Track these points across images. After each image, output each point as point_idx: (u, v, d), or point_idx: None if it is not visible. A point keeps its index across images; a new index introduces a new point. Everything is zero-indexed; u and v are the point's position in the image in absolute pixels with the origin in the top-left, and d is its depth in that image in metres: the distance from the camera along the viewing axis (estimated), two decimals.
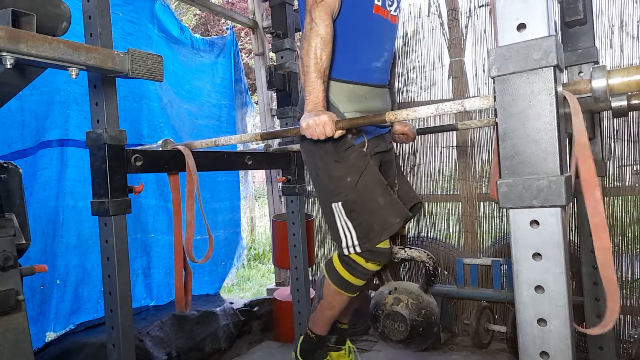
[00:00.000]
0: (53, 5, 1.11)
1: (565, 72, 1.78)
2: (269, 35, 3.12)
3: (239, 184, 3.45)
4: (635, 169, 2.41)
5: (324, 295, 1.70)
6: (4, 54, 0.94)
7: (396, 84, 2.96)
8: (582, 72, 1.76)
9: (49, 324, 2.30)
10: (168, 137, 1.71)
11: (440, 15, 2.88)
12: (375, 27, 1.60)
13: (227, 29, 3.46)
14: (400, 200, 1.74)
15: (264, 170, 4.16)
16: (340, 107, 1.58)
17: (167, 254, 2.83)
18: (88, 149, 1.50)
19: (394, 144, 2.01)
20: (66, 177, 2.32)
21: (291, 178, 2.31)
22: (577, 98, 0.89)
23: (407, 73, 3.00)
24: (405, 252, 1.74)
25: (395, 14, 1.69)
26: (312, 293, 2.50)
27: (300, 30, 2.44)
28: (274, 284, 3.71)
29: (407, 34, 2.98)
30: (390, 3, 1.64)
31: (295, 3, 2.41)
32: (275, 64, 2.42)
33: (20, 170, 1.26)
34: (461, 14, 2.80)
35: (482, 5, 2.74)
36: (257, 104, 3.83)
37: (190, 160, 1.65)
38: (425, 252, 1.74)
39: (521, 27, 0.83)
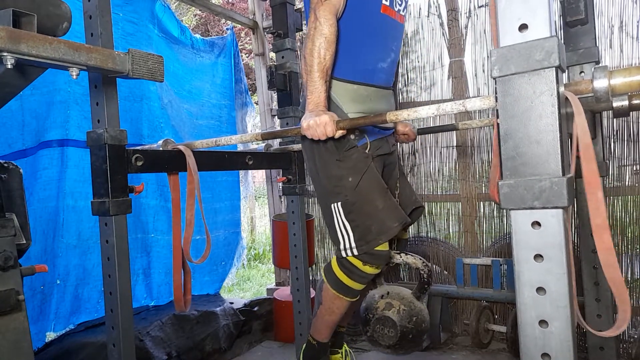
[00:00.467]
0: (54, 6, 1.11)
1: (566, 72, 1.78)
2: (270, 35, 3.13)
3: (239, 184, 3.45)
4: (635, 169, 2.41)
5: (323, 300, 1.67)
6: (5, 54, 0.94)
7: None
8: (583, 72, 1.76)
9: (49, 323, 2.30)
10: (168, 137, 1.71)
11: (440, 16, 2.87)
12: (383, 27, 1.58)
13: (227, 29, 3.45)
14: (402, 203, 1.74)
15: (264, 170, 4.16)
16: (344, 107, 1.56)
17: (167, 254, 2.83)
18: (88, 149, 1.50)
19: (397, 143, 2.00)
20: (66, 177, 2.32)
21: (291, 178, 2.31)
22: (578, 98, 0.89)
23: (407, 73, 3.00)
24: (401, 257, 1.73)
25: (403, 13, 1.67)
26: (313, 293, 2.50)
27: (300, 30, 2.44)
28: (274, 283, 3.71)
29: (407, 34, 2.98)
30: (399, 2, 1.62)
31: (296, 3, 2.41)
32: (275, 63, 2.42)
33: (21, 170, 1.26)
34: (461, 14, 2.80)
35: (482, 6, 2.74)
36: (257, 104, 3.83)
37: (191, 160, 1.65)
38: (420, 259, 1.73)
39: (523, 27, 0.83)
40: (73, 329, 2.37)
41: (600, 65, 0.99)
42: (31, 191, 2.21)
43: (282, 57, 2.37)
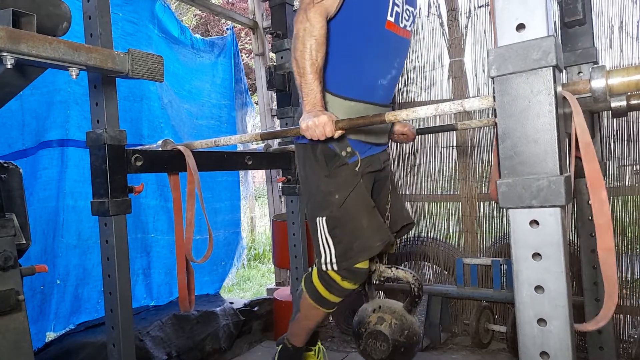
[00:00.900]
0: (53, 6, 1.11)
1: (564, 72, 1.78)
2: (269, 35, 3.13)
3: (239, 184, 3.45)
4: (634, 169, 2.41)
5: (301, 308, 1.70)
6: (5, 54, 0.94)
7: None
8: (581, 72, 1.77)
9: (49, 323, 2.30)
10: (168, 137, 1.72)
11: (440, 16, 2.88)
12: (386, 44, 1.55)
13: (227, 29, 3.46)
14: (392, 217, 1.75)
15: (264, 170, 4.16)
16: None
17: (167, 254, 2.83)
18: (88, 149, 1.50)
19: (397, 143, 2.00)
20: (66, 177, 2.32)
21: (291, 178, 2.31)
22: (577, 98, 0.89)
23: (407, 73, 3.00)
24: (392, 271, 1.75)
25: (410, 29, 1.63)
26: None
27: None
28: (274, 283, 3.71)
29: None
30: (406, 17, 1.58)
31: (296, 3, 2.41)
32: (275, 64, 2.42)
33: (21, 170, 1.26)
34: (461, 14, 2.81)
35: (481, 6, 2.74)
36: (257, 104, 3.84)
37: (190, 161, 1.65)
38: (411, 273, 1.74)
39: (520, 27, 0.83)
40: (73, 329, 2.37)
41: (598, 65, 0.99)
42: (31, 191, 2.22)
43: (282, 57, 2.38)
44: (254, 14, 3.57)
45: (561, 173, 0.81)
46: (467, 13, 2.79)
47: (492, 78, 0.86)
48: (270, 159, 2.24)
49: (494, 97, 0.87)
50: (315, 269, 1.64)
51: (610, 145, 2.43)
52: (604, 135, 2.17)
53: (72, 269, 2.36)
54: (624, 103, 1.15)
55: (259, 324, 3.10)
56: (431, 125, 2.71)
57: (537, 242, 0.83)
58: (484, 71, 2.75)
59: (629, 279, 2.43)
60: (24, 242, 1.21)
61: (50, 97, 2.28)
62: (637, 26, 2.37)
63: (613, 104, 1.15)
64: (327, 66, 1.51)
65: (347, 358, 2.65)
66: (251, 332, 3.05)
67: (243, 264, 4.77)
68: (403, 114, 1.20)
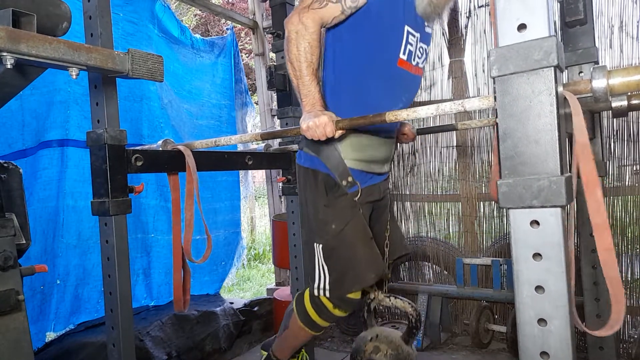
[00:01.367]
0: (53, 6, 1.11)
1: (565, 72, 1.78)
2: (269, 35, 3.12)
3: (239, 184, 3.45)
4: (635, 169, 2.41)
5: (289, 326, 1.71)
6: (5, 54, 0.94)
7: None
8: (582, 72, 1.76)
9: (49, 323, 2.30)
10: (168, 137, 1.71)
11: None
12: (396, 80, 1.54)
13: (227, 29, 3.46)
14: (391, 246, 1.75)
15: (264, 170, 4.16)
16: (343, 153, 1.55)
17: (167, 254, 2.83)
18: (88, 149, 1.50)
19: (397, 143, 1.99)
20: (66, 177, 2.32)
21: (291, 178, 2.31)
22: (577, 98, 0.89)
23: None
24: (390, 300, 1.75)
25: (422, 65, 1.62)
26: None
27: None
28: (274, 284, 3.71)
29: None
30: (419, 54, 1.58)
31: (296, 3, 2.41)
32: (275, 64, 2.42)
33: (21, 170, 1.26)
34: (461, 14, 2.80)
35: (481, 6, 2.74)
36: (257, 104, 3.84)
37: (190, 160, 1.65)
38: (409, 303, 1.73)
39: (521, 27, 0.83)
40: (73, 329, 2.37)
41: (599, 65, 0.99)
42: (31, 191, 2.22)
43: (282, 57, 2.37)
44: (254, 14, 3.57)
45: (562, 173, 0.81)
46: (467, 13, 2.79)
47: (493, 78, 0.85)
48: (271, 159, 2.24)
49: (495, 97, 0.86)
50: (307, 291, 1.65)
51: (610, 145, 2.43)
52: (604, 135, 2.16)
53: (72, 269, 2.35)
54: (624, 103, 1.15)
55: (259, 324, 3.10)
56: (431, 125, 2.71)
57: (537, 242, 0.83)
58: (484, 71, 2.75)
59: (629, 279, 2.43)
60: (24, 242, 1.21)
61: (50, 97, 2.28)
62: (637, 26, 2.37)
63: (614, 104, 1.15)
64: (336, 96, 1.52)
65: (347, 358, 2.65)
66: (251, 332, 3.04)
67: (243, 264, 4.77)
68: (404, 114, 1.20)
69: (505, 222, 2.77)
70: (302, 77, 1.43)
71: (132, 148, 1.56)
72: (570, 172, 0.88)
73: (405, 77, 1.56)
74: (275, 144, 2.47)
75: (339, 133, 1.39)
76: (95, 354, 2.15)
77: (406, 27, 1.48)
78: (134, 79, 1.26)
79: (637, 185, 2.39)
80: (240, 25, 3.65)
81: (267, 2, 2.45)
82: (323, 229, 1.56)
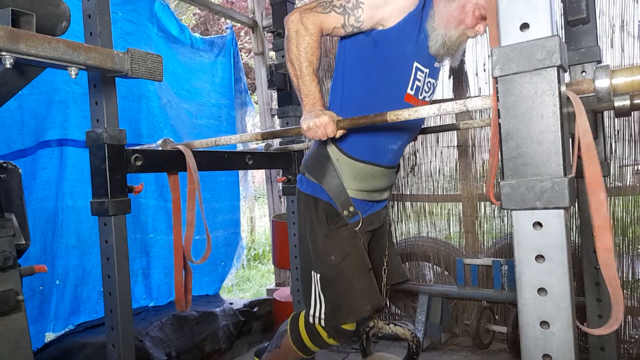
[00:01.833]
0: (52, 5, 1.10)
1: (568, 71, 1.77)
2: (269, 34, 3.12)
3: (238, 184, 3.45)
4: (636, 169, 2.41)
5: (281, 345, 1.70)
6: (4, 53, 0.93)
7: None
8: (584, 71, 1.75)
9: (48, 324, 2.29)
10: (167, 137, 1.71)
11: None
12: None
13: (226, 28, 3.45)
14: (388, 272, 1.75)
15: (264, 170, 4.16)
16: (345, 182, 1.54)
17: (166, 254, 2.82)
18: (87, 149, 1.50)
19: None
20: (65, 177, 2.31)
21: (291, 178, 2.30)
22: (580, 97, 0.88)
23: None
24: (390, 328, 1.74)
25: (429, 99, 1.62)
26: None
27: None
28: (274, 284, 3.70)
29: None
30: (427, 89, 1.57)
31: (296, 2, 2.41)
32: (275, 63, 2.42)
33: (20, 170, 1.25)
34: None
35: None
36: (256, 103, 3.83)
37: (191, 161, 1.64)
38: (409, 330, 1.73)
39: (524, 26, 0.82)
40: (72, 329, 2.37)
41: (602, 64, 0.98)
42: (30, 191, 2.21)
43: (282, 56, 2.36)
44: (254, 13, 3.56)
45: (565, 174, 0.80)
46: None
47: (496, 78, 0.85)
48: (271, 158, 2.23)
49: (497, 97, 0.86)
50: (302, 315, 1.65)
51: (612, 145, 2.42)
52: (606, 135, 2.16)
53: (71, 269, 2.35)
54: (627, 103, 1.14)
55: (258, 325, 3.10)
56: (432, 125, 2.70)
57: (540, 244, 0.82)
58: (484, 70, 2.75)
59: (630, 279, 2.42)
60: (23, 242, 1.20)
61: (49, 96, 2.27)
62: (638, 26, 2.36)
63: (617, 104, 1.15)
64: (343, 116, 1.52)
65: (348, 359, 2.65)
66: (251, 332, 3.04)
67: (243, 265, 4.76)
68: (405, 114, 1.19)
69: (505, 223, 2.77)
70: (302, 76, 1.42)
71: (131, 148, 1.55)
72: (572, 172, 0.87)
73: None
74: (275, 143, 2.46)
75: (339, 133, 1.38)
76: (95, 354, 2.15)
77: (415, 64, 1.48)
78: (133, 79, 1.25)
79: (638, 185, 2.38)
80: (239, 24, 3.64)
81: (267, 0, 2.44)
82: (322, 259, 1.55)
